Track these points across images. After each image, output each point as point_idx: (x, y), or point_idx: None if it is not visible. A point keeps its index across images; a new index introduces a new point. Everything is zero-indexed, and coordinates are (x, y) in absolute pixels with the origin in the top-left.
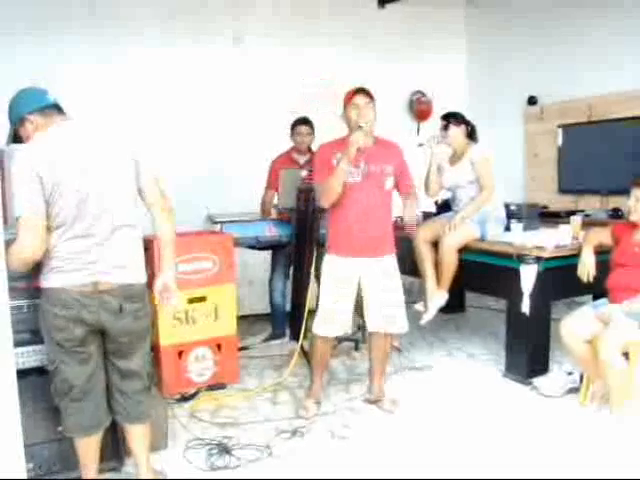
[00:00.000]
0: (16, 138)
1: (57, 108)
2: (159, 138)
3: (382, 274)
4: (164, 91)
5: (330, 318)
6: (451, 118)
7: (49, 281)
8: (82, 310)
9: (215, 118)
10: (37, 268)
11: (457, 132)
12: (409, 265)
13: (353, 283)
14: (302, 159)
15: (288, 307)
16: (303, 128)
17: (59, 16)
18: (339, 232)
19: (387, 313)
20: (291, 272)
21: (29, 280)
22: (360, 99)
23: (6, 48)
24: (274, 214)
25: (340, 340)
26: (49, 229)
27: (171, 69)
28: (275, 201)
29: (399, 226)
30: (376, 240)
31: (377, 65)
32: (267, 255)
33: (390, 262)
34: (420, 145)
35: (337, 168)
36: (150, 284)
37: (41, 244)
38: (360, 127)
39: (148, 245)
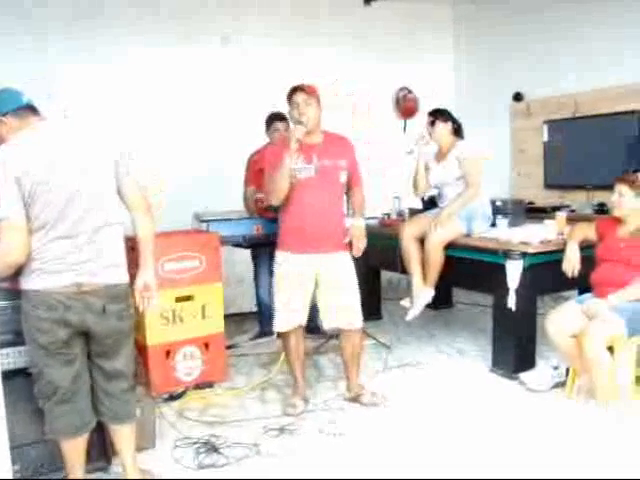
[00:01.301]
0: None
1: (32, 109)
2: (158, 138)
3: (336, 271)
4: (164, 91)
5: (288, 313)
6: (438, 114)
7: (32, 283)
8: (67, 312)
9: (214, 118)
10: (17, 271)
11: (444, 129)
12: (395, 262)
13: (308, 279)
14: None
15: None
16: (279, 124)
17: (59, 16)
18: (293, 228)
19: (342, 311)
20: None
21: (12, 280)
22: (298, 97)
23: (6, 48)
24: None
25: (327, 338)
26: (29, 231)
27: (171, 69)
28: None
29: (386, 223)
30: (331, 235)
31: (366, 62)
32: None
33: (344, 258)
34: (410, 152)
35: (280, 164)
36: (134, 283)
37: (25, 247)
38: (300, 122)
39: (134, 245)
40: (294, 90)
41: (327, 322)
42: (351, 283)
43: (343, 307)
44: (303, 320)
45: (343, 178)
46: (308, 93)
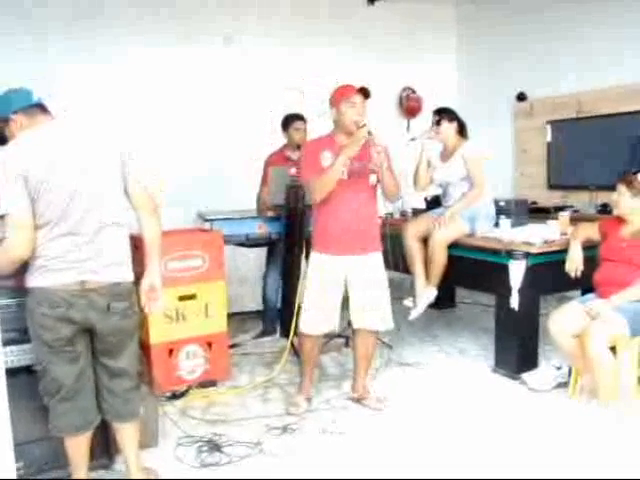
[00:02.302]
0: (2, 139)
1: (41, 108)
2: (158, 138)
3: (368, 271)
4: (164, 91)
5: (317, 316)
6: (443, 113)
7: (36, 280)
8: (70, 309)
9: (214, 118)
10: (22, 267)
11: (449, 128)
12: (399, 261)
13: (340, 281)
14: (295, 156)
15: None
16: (300, 123)
17: (59, 16)
18: (326, 230)
19: (373, 310)
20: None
21: (16, 278)
22: (359, 98)
23: (6, 48)
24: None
25: (331, 337)
26: (35, 228)
27: (171, 69)
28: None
29: (389, 222)
30: (364, 237)
31: (367, 62)
32: (260, 252)
33: (376, 259)
34: (412, 139)
35: (335, 164)
36: (138, 282)
37: (29, 243)
38: (364, 125)
39: (138, 243)
40: (357, 90)
41: (357, 321)
42: (382, 284)
43: (375, 307)
44: (333, 326)
45: (373, 180)
46: (367, 97)
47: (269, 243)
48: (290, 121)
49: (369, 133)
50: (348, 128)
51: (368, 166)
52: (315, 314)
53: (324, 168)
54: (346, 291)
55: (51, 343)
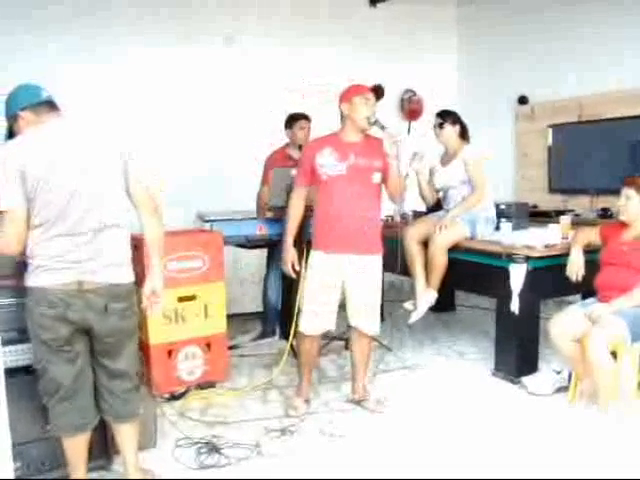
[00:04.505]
0: (12, 134)
1: (50, 105)
2: (158, 138)
3: (366, 275)
4: (164, 91)
5: (316, 316)
6: (446, 116)
7: (34, 280)
8: (67, 309)
9: (214, 118)
10: (23, 267)
11: (451, 131)
12: (399, 264)
13: (339, 280)
14: (297, 155)
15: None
16: (304, 122)
17: (59, 16)
18: (325, 226)
19: (366, 314)
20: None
21: (16, 278)
22: (372, 96)
23: (6, 48)
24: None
25: (330, 339)
26: (30, 227)
27: (171, 69)
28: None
29: (389, 225)
30: (362, 234)
31: (368, 62)
32: (260, 253)
33: (375, 262)
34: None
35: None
36: (138, 283)
37: (17, 237)
38: (376, 121)
39: (138, 243)
40: (371, 89)
41: (353, 320)
42: (378, 290)
43: (366, 309)
44: (331, 324)
45: (377, 179)
46: (379, 97)
47: (269, 245)
48: (295, 120)
49: (382, 127)
50: (359, 123)
51: (374, 164)
52: (314, 313)
53: (318, 171)
54: (342, 292)
55: (49, 343)
